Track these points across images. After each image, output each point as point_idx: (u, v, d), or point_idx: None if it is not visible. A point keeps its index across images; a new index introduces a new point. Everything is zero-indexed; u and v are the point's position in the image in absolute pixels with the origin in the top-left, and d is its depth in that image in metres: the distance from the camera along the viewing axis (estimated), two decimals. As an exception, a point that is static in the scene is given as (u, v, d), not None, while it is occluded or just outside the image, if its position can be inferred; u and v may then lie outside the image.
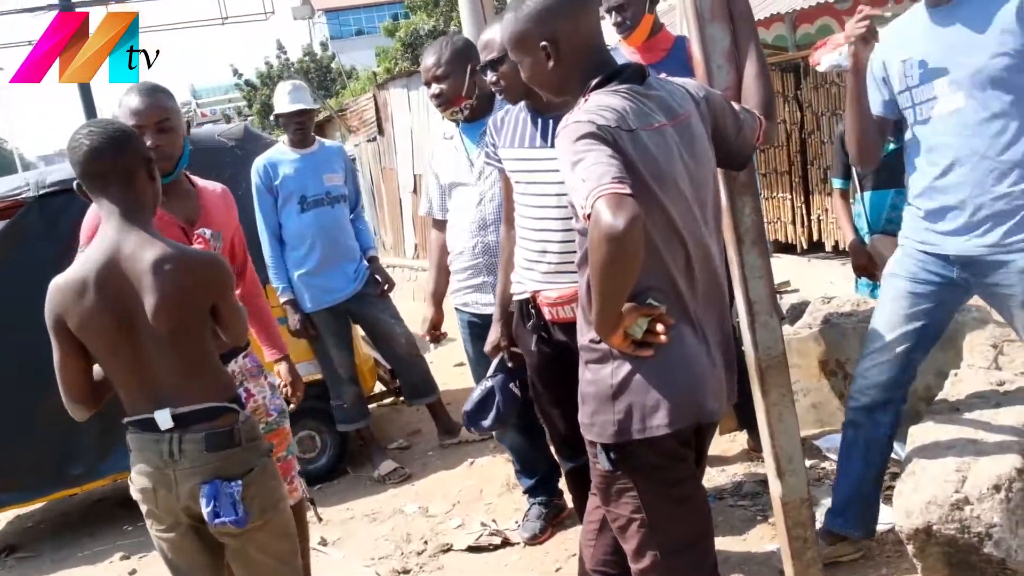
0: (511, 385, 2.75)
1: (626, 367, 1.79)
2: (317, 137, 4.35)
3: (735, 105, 2.02)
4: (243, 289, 2.73)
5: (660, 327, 1.74)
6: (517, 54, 1.91)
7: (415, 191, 10.21)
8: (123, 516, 4.25)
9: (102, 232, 2.01)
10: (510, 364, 2.74)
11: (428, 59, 3.06)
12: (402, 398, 4.85)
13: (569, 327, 2.49)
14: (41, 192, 4.06)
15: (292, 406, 2.79)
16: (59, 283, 1.99)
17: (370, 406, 4.61)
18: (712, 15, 2.16)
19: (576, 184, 1.61)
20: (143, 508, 2.10)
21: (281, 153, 4.20)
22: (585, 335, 1.87)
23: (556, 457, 2.87)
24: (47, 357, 2.05)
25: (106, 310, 1.96)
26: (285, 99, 4.19)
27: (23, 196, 4.07)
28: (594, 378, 1.84)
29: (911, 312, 2.44)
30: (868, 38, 2.40)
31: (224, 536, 2.05)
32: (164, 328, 1.95)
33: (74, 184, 2.08)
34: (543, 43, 1.83)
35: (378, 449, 4.46)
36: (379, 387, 4.95)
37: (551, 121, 2.46)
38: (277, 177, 4.13)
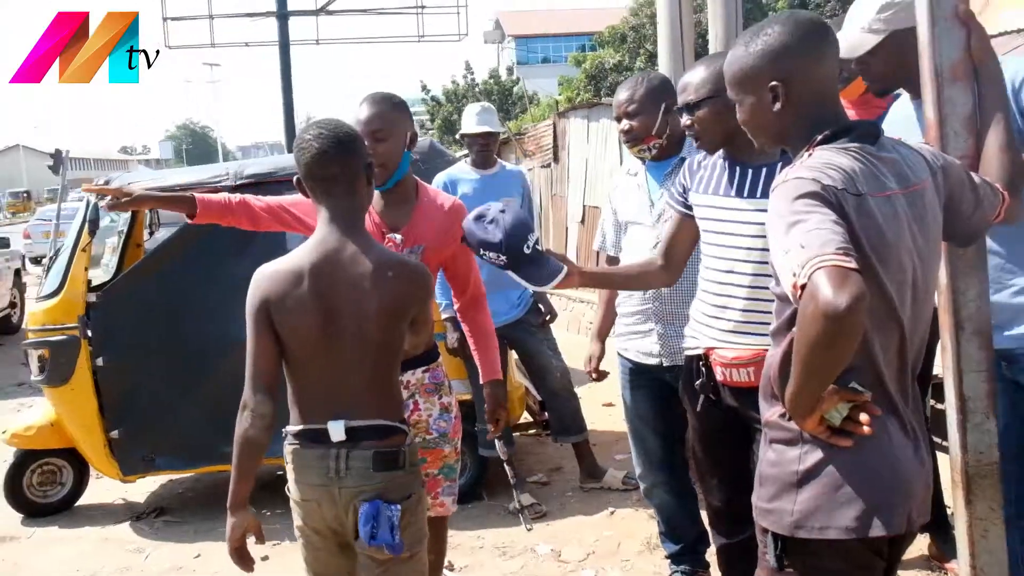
0: None
1: (817, 454, 1.61)
2: (499, 160, 4.36)
3: (975, 177, 1.80)
4: (464, 304, 2.78)
5: (864, 416, 1.54)
6: (739, 92, 1.76)
7: (583, 221, 10.17)
8: (264, 500, 4.33)
9: (321, 232, 2.03)
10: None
11: (622, 94, 3.01)
12: (548, 432, 4.75)
13: (742, 392, 2.34)
14: (237, 183, 4.29)
15: (491, 434, 2.75)
16: (269, 271, 2.01)
17: (514, 435, 4.54)
18: (954, 75, 1.96)
19: (790, 247, 1.45)
20: (296, 520, 2.09)
21: (462, 172, 4.24)
22: (771, 410, 1.70)
23: (709, 528, 2.68)
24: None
25: (316, 307, 1.96)
26: (473, 119, 4.24)
27: (222, 184, 4.31)
28: (778, 459, 1.67)
29: None
30: None
31: (369, 558, 2.01)
32: (374, 335, 1.96)
33: (294, 179, 2.13)
34: (773, 83, 1.68)
35: (517, 481, 4.36)
36: (526, 417, 4.87)
37: (749, 171, 2.34)
38: (456, 194, 4.15)
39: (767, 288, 2.24)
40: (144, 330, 4.33)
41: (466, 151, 4.33)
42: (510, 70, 29.90)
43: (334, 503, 1.99)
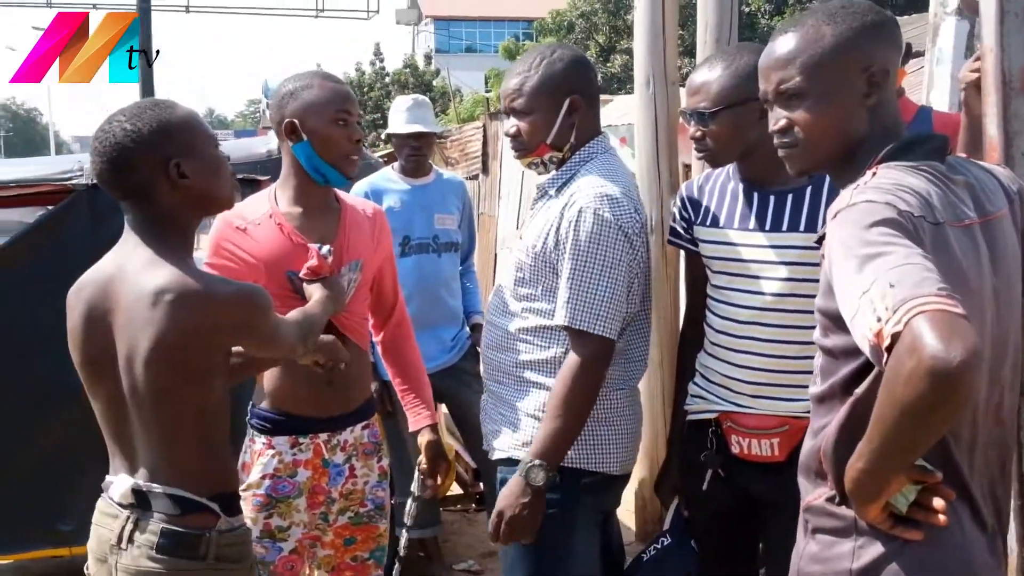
0: (691, 542, 2.53)
1: (877, 548, 1.55)
2: (435, 167, 4.27)
3: None
4: (388, 334, 2.76)
5: (938, 502, 1.49)
6: (816, 83, 1.67)
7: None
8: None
9: (119, 243, 1.95)
10: (686, 512, 2.51)
11: (510, 80, 2.45)
12: (481, 507, 4.64)
13: (758, 469, 2.30)
14: (94, 181, 4.06)
15: (430, 491, 2.68)
16: (75, 286, 1.97)
17: (440, 510, 4.41)
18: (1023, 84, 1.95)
19: (868, 286, 1.37)
20: None
21: (388, 180, 4.12)
22: (816, 492, 1.64)
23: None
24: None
25: (86, 339, 1.89)
26: (402, 116, 4.13)
27: (73, 182, 4.08)
28: (823, 554, 1.61)
29: None
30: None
31: None
32: (148, 376, 1.81)
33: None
34: (872, 68, 1.64)
35: (442, 568, 4.26)
36: (455, 488, 4.76)
37: (771, 198, 2.29)
38: (381, 207, 4.03)
39: (798, 343, 2.22)
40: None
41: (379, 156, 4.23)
42: (428, 58, 30.00)
43: None
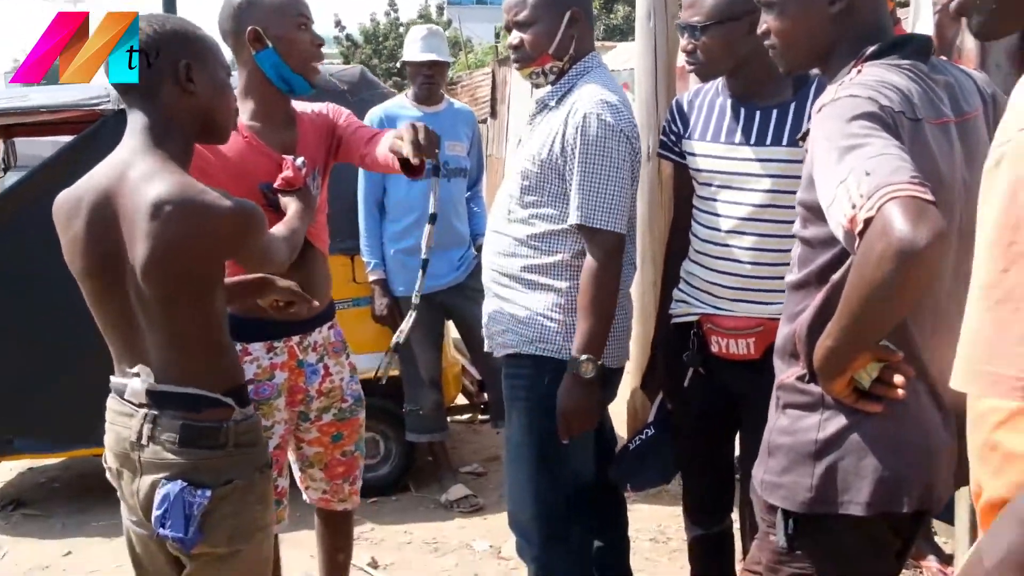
0: (672, 433, 2.60)
1: (840, 420, 1.61)
2: (446, 96, 4.27)
3: None
4: (374, 143, 2.55)
5: (898, 378, 1.54)
6: None
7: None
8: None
9: (116, 151, 1.90)
10: (670, 406, 2.58)
11: None
12: (484, 417, 4.72)
13: (736, 367, 2.36)
14: (121, 107, 4.08)
15: (416, 156, 2.30)
16: (60, 198, 1.91)
17: (447, 419, 4.50)
18: None
19: (846, 175, 1.40)
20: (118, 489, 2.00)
21: (401, 107, 4.14)
22: (789, 371, 1.70)
23: (685, 520, 2.69)
24: None
25: (92, 249, 1.85)
26: (417, 45, 4.13)
27: (101, 107, 4.09)
28: (792, 427, 1.67)
29: None
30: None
31: (176, 552, 1.89)
32: (152, 286, 1.79)
33: None
34: None
35: (449, 470, 4.36)
36: (461, 399, 4.84)
37: (757, 113, 2.33)
38: (393, 134, 4.06)
39: (776, 251, 2.27)
40: (2, 284, 4.09)
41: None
42: (440, 9, 29.57)
43: (135, 474, 1.89)
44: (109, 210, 1.82)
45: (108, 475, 2.00)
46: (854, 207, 1.36)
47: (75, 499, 4.41)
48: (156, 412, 1.85)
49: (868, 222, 1.34)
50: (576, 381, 2.33)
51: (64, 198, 1.91)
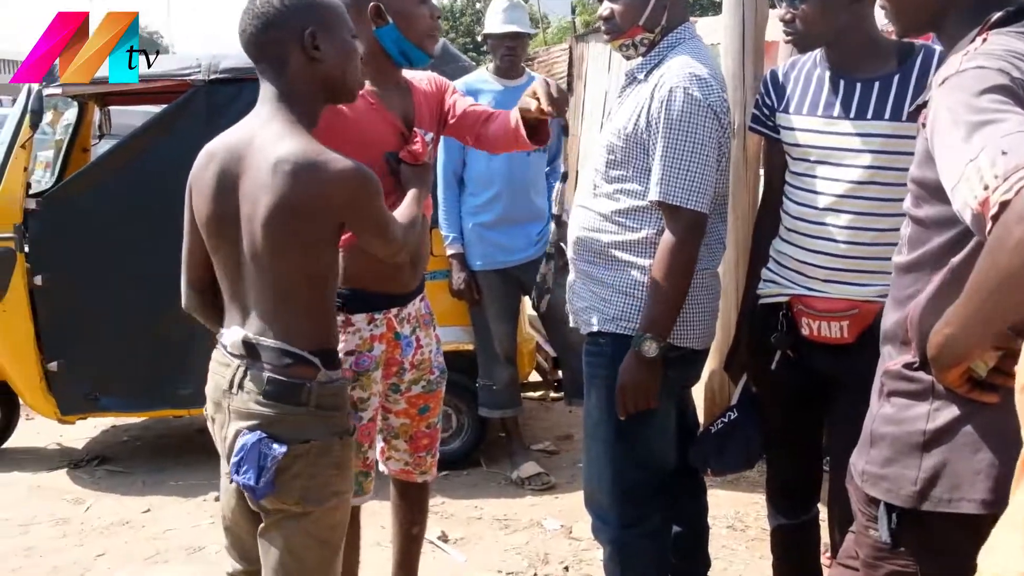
0: (757, 417, 2.51)
1: (952, 411, 1.50)
2: (527, 69, 4.19)
3: None
4: (485, 120, 2.60)
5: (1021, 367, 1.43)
6: None
7: (597, 164, 10.04)
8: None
9: (250, 115, 1.98)
10: (755, 389, 2.49)
11: None
12: (559, 395, 4.66)
13: (827, 351, 2.26)
14: (212, 77, 4.09)
15: (549, 113, 2.30)
16: (201, 152, 2.00)
17: (521, 395, 4.44)
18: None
19: (976, 153, 1.27)
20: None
21: (483, 80, 4.07)
22: (899, 358, 1.59)
23: (768, 508, 2.59)
24: (179, 264, 2.08)
25: (215, 198, 1.92)
26: (499, 17, 4.05)
27: (192, 78, 4.12)
28: (898, 416, 1.57)
29: None
30: None
31: (253, 505, 1.96)
32: (263, 239, 1.85)
33: None
34: None
35: (521, 447, 4.31)
36: (535, 376, 4.78)
37: (858, 86, 2.22)
38: (475, 107, 4.00)
39: (875, 229, 2.15)
40: (93, 246, 4.15)
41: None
42: (517, -14, 29.40)
43: (224, 422, 1.96)
44: (237, 165, 1.90)
45: (209, 424, 2.06)
46: (987, 188, 1.24)
47: (155, 458, 4.51)
48: (248, 363, 1.91)
49: (1004, 205, 1.21)
50: (637, 358, 2.26)
51: (203, 152, 1.99)
